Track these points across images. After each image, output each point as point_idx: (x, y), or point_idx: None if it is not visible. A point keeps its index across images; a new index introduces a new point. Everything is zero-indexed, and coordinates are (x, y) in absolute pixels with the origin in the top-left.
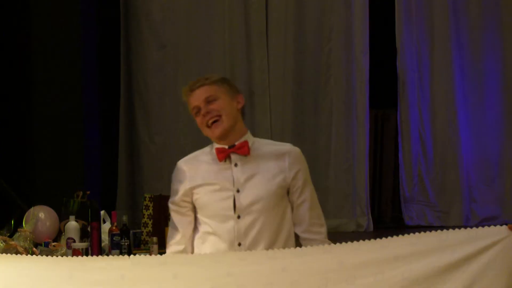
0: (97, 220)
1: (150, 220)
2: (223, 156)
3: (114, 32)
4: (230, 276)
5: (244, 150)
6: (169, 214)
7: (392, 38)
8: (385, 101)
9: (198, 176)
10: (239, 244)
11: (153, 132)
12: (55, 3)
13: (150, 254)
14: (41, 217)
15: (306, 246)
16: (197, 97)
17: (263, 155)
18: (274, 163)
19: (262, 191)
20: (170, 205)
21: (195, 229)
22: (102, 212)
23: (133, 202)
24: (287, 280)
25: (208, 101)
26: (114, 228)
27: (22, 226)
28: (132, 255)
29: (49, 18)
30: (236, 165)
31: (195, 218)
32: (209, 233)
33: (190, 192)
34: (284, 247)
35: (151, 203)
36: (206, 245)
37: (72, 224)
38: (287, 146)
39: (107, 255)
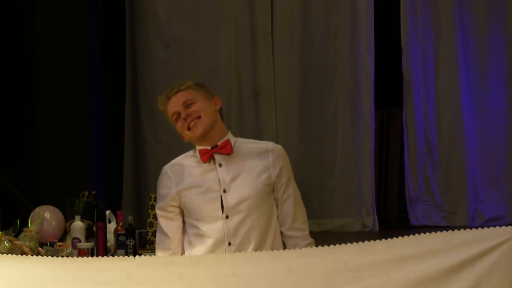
0: (103, 220)
1: (155, 220)
2: (207, 157)
3: (119, 32)
4: (235, 277)
5: (227, 149)
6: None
7: (398, 37)
8: (391, 101)
9: (184, 180)
10: (229, 244)
11: (159, 132)
12: (61, 3)
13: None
14: (46, 217)
15: (289, 244)
16: (175, 103)
17: (246, 154)
18: (258, 161)
19: (248, 190)
20: (158, 211)
21: (184, 232)
22: (107, 212)
23: (138, 202)
24: (292, 281)
25: (187, 105)
26: (119, 228)
27: (28, 226)
28: (137, 256)
29: (54, 18)
30: (220, 165)
31: (183, 222)
32: (198, 235)
33: (177, 196)
34: (272, 245)
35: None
36: (196, 247)
37: (78, 224)
38: (269, 144)
39: (113, 255)
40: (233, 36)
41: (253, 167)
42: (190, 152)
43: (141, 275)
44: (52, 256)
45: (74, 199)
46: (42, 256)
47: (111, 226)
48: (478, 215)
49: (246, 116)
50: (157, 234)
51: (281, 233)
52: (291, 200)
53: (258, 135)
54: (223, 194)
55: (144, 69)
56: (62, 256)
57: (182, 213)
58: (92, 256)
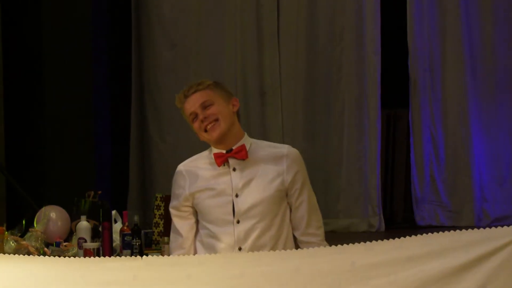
0: (109, 220)
1: (161, 220)
2: (221, 161)
3: (125, 31)
4: (243, 277)
5: (242, 154)
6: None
7: (404, 37)
8: (397, 101)
9: (198, 182)
10: (240, 249)
11: (164, 132)
12: (66, 3)
13: (162, 254)
14: (52, 217)
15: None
16: (193, 103)
17: (261, 159)
18: (272, 167)
19: (260, 196)
20: (171, 210)
21: (197, 231)
22: (113, 212)
23: (144, 202)
24: (300, 281)
25: (204, 106)
26: (125, 228)
27: (34, 226)
28: (144, 256)
29: (60, 17)
30: (234, 169)
31: (196, 221)
32: (210, 236)
33: (191, 197)
34: (284, 250)
35: (162, 203)
36: (207, 248)
37: (84, 224)
38: (285, 148)
39: (119, 255)
40: (239, 36)
41: (267, 172)
42: (206, 152)
43: (148, 275)
44: (58, 256)
45: (80, 199)
46: (48, 256)
47: (117, 226)
48: (484, 215)
49: (252, 116)
50: (171, 233)
51: (295, 238)
52: (304, 205)
53: (264, 135)
54: (235, 199)
55: (149, 69)
56: (68, 256)
57: (195, 213)
58: (98, 256)
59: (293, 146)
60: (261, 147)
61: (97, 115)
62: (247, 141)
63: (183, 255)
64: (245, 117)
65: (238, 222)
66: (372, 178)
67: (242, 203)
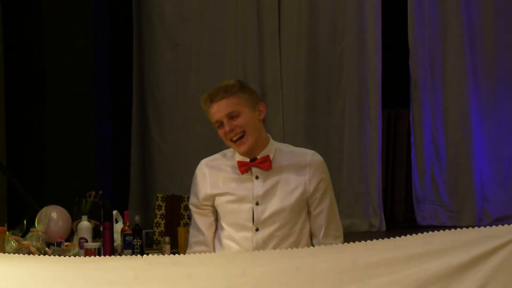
0: (110, 220)
1: (162, 220)
2: (245, 169)
3: (126, 31)
4: (244, 276)
5: (266, 165)
6: (181, 214)
7: (405, 37)
8: (398, 100)
9: (219, 184)
10: None
11: (166, 132)
12: (68, 3)
13: (163, 254)
14: (53, 217)
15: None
16: (219, 112)
17: (284, 167)
18: (294, 176)
19: (280, 205)
20: (191, 207)
21: (216, 230)
22: (114, 212)
23: (145, 202)
24: (301, 280)
25: (231, 116)
26: (126, 228)
27: (35, 226)
28: (145, 255)
29: (61, 17)
30: (257, 177)
31: (216, 219)
32: (228, 238)
33: (211, 198)
34: None
35: (163, 203)
36: (224, 249)
37: (85, 224)
38: (308, 157)
39: (120, 255)
40: (240, 36)
41: (289, 181)
42: (229, 153)
43: (149, 274)
44: (59, 256)
45: (81, 199)
46: (49, 256)
47: (118, 226)
48: (485, 215)
49: None
50: (191, 228)
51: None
52: (324, 214)
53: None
54: (255, 207)
55: (151, 69)
56: (69, 256)
57: (216, 211)
58: (99, 256)
59: (294, 146)
60: (284, 155)
61: (98, 115)
62: (272, 148)
63: (204, 252)
64: None
65: (257, 230)
66: (372, 178)
67: (262, 212)
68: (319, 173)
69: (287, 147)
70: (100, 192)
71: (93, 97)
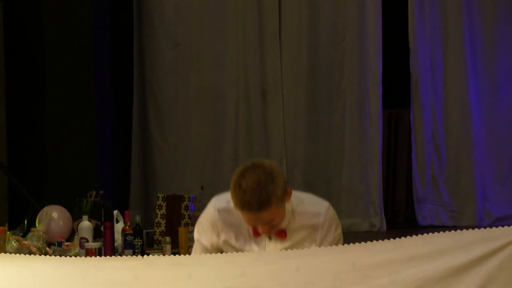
0: (110, 219)
1: (163, 220)
2: (259, 235)
3: (127, 31)
4: (244, 277)
5: (281, 236)
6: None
7: (405, 37)
8: (398, 100)
9: (230, 235)
10: None
11: (166, 132)
12: (68, 3)
13: (163, 254)
14: (54, 216)
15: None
16: (252, 221)
17: (297, 229)
18: (306, 237)
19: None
20: (195, 238)
21: None
22: (115, 212)
23: (146, 202)
24: (301, 281)
25: (265, 222)
26: (127, 227)
27: (35, 225)
28: (145, 255)
29: (62, 18)
30: (270, 238)
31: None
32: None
33: (219, 243)
34: None
35: (164, 203)
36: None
37: (85, 224)
38: (321, 218)
39: (120, 254)
40: (241, 36)
41: (302, 242)
42: None
43: (150, 274)
44: (60, 256)
45: (82, 199)
46: (50, 256)
47: (119, 226)
48: (486, 215)
49: (253, 116)
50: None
51: None
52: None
53: (266, 135)
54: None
55: (151, 69)
56: (70, 256)
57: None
58: (99, 256)
59: (295, 146)
60: (298, 217)
61: (99, 115)
62: (287, 218)
63: None
64: (247, 116)
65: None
66: (373, 177)
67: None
68: (333, 231)
69: (301, 205)
70: (101, 192)
71: (93, 97)
